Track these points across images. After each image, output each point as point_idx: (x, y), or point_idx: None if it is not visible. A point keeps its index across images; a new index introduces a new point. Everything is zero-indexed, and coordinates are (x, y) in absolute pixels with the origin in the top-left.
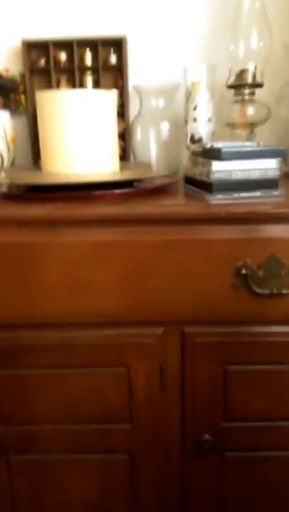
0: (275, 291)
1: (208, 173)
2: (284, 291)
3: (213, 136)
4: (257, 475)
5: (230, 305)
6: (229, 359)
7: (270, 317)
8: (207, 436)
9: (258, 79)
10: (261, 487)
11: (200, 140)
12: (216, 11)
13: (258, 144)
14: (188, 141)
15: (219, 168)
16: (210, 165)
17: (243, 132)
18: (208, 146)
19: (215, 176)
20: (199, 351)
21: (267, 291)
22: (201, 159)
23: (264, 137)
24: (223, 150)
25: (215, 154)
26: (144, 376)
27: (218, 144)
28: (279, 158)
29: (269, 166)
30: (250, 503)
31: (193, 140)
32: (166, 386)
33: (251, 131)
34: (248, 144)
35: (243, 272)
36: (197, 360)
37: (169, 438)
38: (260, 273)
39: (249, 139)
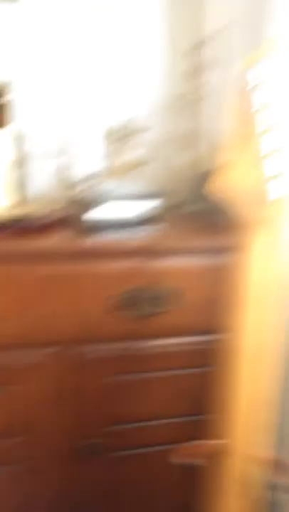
0: (149, 311)
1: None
2: (156, 311)
3: (100, 176)
4: (144, 469)
5: (115, 325)
6: (116, 371)
7: (148, 333)
8: (97, 440)
9: (140, 126)
10: (150, 480)
11: (94, 177)
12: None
13: (136, 186)
14: None
15: (103, 210)
16: (96, 206)
17: (127, 173)
18: (98, 189)
19: (94, 218)
20: (89, 366)
21: (143, 312)
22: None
23: (146, 177)
24: (105, 193)
25: (95, 199)
26: (38, 392)
27: (106, 186)
28: (159, 199)
29: (147, 206)
30: (143, 496)
31: (87, 178)
32: (61, 398)
33: (134, 172)
34: (128, 185)
35: (124, 296)
36: (88, 373)
37: (64, 445)
38: (140, 297)
39: (132, 179)
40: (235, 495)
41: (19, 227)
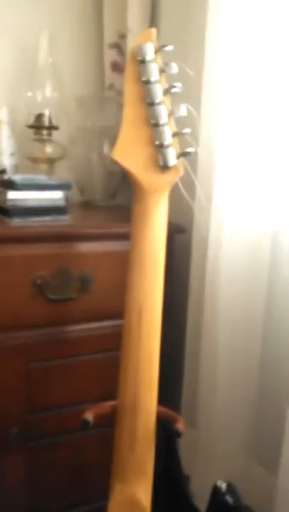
0: (65, 296)
1: (5, 200)
2: (73, 296)
3: (17, 168)
4: (65, 456)
5: (30, 311)
6: (30, 358)
7: (63, 318)
8: (14, 429)
9: (54, 122)
10: (64, 467)
11: (4, 171)
12: (14, 62)
13: (49, 178)
14: None
15: (14, 197)
16: (6, 193)
17: (43, 166)
18: (6, 178)
19: (11, 203)
20: (3, 354)
21: (59, 297)
22: (0, 189)
23: (62, 171)
24: (16, 181)
25: (11, 185)
26: None
27: (16, 177)
28: (64, 190)
29: (57, 196)
30: (56, 483)
31: None
32: None
33: (51, 166)
34: (41, 177)
35: (39, 282)
36: (2, 362)
37: None
38: (53, 282)
39: (49, 172)
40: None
41: None
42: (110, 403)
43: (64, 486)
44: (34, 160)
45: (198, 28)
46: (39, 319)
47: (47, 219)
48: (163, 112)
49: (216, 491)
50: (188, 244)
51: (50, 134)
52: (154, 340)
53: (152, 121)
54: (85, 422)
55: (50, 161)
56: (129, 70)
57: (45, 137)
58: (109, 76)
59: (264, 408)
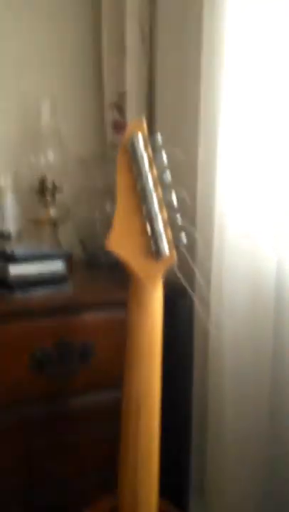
0: (66, 369)
1: (7, 274)
2: (73, 368)
3: (21, 232)
4: None
5: (28, 386)
6: (32, 435)
7: (63, 392)
8: (14, 507)
9: (57, 184)
10: None
11: (9, 236)
12: (18, 127)
13: (51, 246)
14: None
15: (16, 271)
16: (8, 267)
17: (47, 228)
18: (8, 251)
19: (13, 277)
20: (1, 432)
21: (59, 370)
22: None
23: (66, 231)
24: (16, 255)
25: (12, 258)
26: None
27: (17, 249)
28: (65, 260)
29: (57, 267)
30: None
31: (1, 236)
32: None
33: (55, 228)
34: (43, 246)
35: (38, 356)
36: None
37: None
38: (53, 355)
39: (53, 233)
40: None
41: None
42: (110, 501)
43: None
44: (38, 223)
45: (194, 90)
46: (38, 395)
47: (48, 289)
48: (155, 201)
49: None
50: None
51: (53, 196)
52: (154, 435)
53: (145, 212)
54: None
55: (55, 223)
56: (121, 160)
57: (49, 199)
58: (111, 135)
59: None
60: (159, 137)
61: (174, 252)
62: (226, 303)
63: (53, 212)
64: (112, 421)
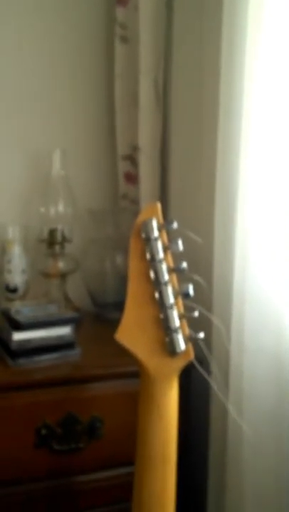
0: (73, 446)
1: (9, 340)
2: (80, 445)
3: (28, 285)
4: None
5: (32, 464)
6: None
7: (69, 470)
8: None
9: (67, 236)
10: None
11: (16, 289)
12: (27, 178)
13: (59, 307)
14: (4, 289)
15: (19, 337)
16: (11, 334)
17: (55, 280)
18: (12, 315)
19: (16, 344)
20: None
21: (65, 447)
22: (5, 324)
23: (75, 284)
24: (23, 322)
25: (16, 325)
26: None
27: (22, 312)
28: (73, 324)
29: (65, 332)
30: None
31: (8, 289)
32: None
33: (63, 280)
34: (49, 307)
35: (43, 431)
36: None
37: None
38: (59, 430)
39: (61, 286)
40: None
41: None
42: None
43: None
44: (46, 275)
45: (208, 150)
46: (42, 472)
47: (54, 356)
48: (170, 292)
49: None
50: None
51: (63, 248)
52: None
53: (159, 303)
54: None
55: (63, 275)
56: (134, 245)
57: (58, 251)
58: (123, 186)
59: None
60: (175, 223)
61: (191, 348)
62: (246, 389)
63: (61, 264)
64: (121, 502)
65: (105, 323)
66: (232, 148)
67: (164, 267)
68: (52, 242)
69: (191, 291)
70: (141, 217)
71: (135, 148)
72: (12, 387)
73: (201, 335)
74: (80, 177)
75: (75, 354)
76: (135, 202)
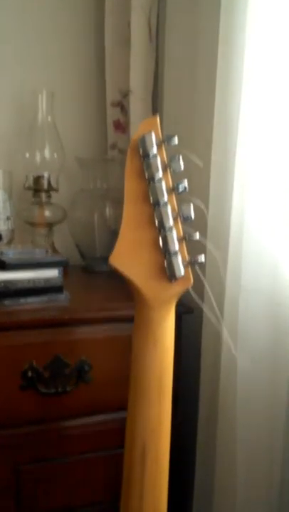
0: (60, 389)
1: None
2: (68, 389)
3: (13, 233)
4: None
5: (19, 406)
6: (21, 459)
7: (57, 413)
8: None
9: (53, 184)
10: None
11: (0, 237)
12: (12, 122)
13: (46, 252)
14: None
15: (5, 278)
16: None
17: (42, 230)
18: None
19: (1, 285)
20: None
21: (53, 390)
22: None
23: (62, 235)
24: (8, 261)
25: (1, 265)
26: None
27: (8, 253)
28: (61, 268)
29: (52, 275)
30: None
31: None
32: None
33: (50, 230)
34: (36, 251)
35: (30, 374)
36: None
37: None
38: (46, 373)
39: (48, 236)
40: None
41: None
42: None
43: None
44: (32, 224)
45: (205, 86)
46: (29, 415)
47: (41, 299)
48: (169, 213)
49: None
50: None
51: (49, 197)
52: (162, 486)
53: (157, 224)
54: None
55: (50, 225)
56: (130, 164)
57: (44, 200)
58: (112, 135)
59: None
60: (175, 138)
61: (190, 273)
62: (241, 321)
63: (48, 213)
64: (109, 448)
65: (93, 274)
66: (230, 89)
67: (163, 186)
68: (38, 189)
69: (192, 214)
70: (138, 132)
71: (125, 94)
72: None
73: (202, 258)
74: (67, 123)
75: (63, 298)
76: (124, 152)
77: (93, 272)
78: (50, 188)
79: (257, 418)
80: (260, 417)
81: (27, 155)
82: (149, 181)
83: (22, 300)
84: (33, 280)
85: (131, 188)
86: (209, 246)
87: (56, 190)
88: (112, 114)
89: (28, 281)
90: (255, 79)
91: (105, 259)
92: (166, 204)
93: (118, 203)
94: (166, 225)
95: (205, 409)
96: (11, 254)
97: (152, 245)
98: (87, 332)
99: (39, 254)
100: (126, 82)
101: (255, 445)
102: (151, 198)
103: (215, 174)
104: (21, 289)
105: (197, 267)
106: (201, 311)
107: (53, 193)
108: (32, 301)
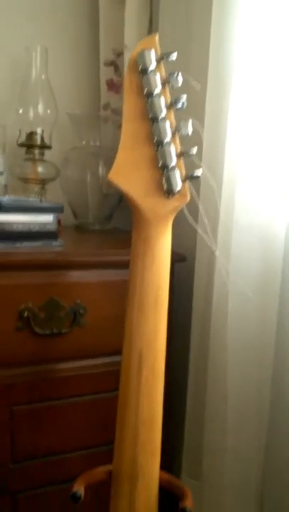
0: (55, 330)
1: None
2: (63, 331)
3: (6, 188)
4: (49, 510)
5: (15, 347)
6: (15, 400)
7: (52, 355)
8: None
9: (46, 141)
10: None
11: None
12: (5, 78)
13: (41, 200)
14: None
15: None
16: None
17: (35, 187)
18: None
19: None
20: None
21: (48, 332)
22: None
23: (55, 193)
24: (3, 203)
25: None
26: None
27: (3, 198)
28: (56, 214)
29: (48, 220)
30: None
31: None
32: None
33: (42, 187)
34: (31, 199)
35: (26, 314)
36: None
37: None
38: (42, 315)
39: (40, 193)
40: None
41: None
42: (105, 468)
43: None
44: (25, 180)
45: (199, 41)
46: (24, 356)
47: (36, 244)
48: (167, 129)
49: None
50: (189, 271)
51: (42, 154)
52: (157, 394)
53: (155, 140)
54: (75, 497)
55: (42, 182)
56: (129, 80)
57: (37, 157)
58: (105, 95)
59: (276, 454)
60: (174, 54)
61: (188, 189)
62: (234, 244)
63: (41, 169)
64: (103, 392)
65: (87, 232)
66: (225, 42)
67: (162, 101)
68: (31, 145)
69: (190, 130)
70: (137, 49)
71: (119, 54)
72: None
73: (198, 172)
74: (61, 81)
75: (57, 245)
76: (117, 112)
77: (86, 230)
78: (43, 145)
79: (247, 348)
80: (250, 347)
81: (20, 111)
82: (147, 97)
83: (17, 244)
84: (28, 224)
85: (129, 105)
86: (204, 168)
87: (49, 147)
88: (106, 73)
89: (23, 224)
90: (249, 37)
91: (98, 218)
92: (164, 119)
93: (111, 162)
94: (164, 140)
95: (196, 343)
96: (5, 199)
97: (150, 162)
98: (81, 276)
99: (34, 201)
100: (119, 41)
101: (245, 374)
102: (150, 114)
103: (210, 98)
104: (16, 233)
105: (192, 187)
106: (193, 260)
107: (46, 152)
108: (27, 246)
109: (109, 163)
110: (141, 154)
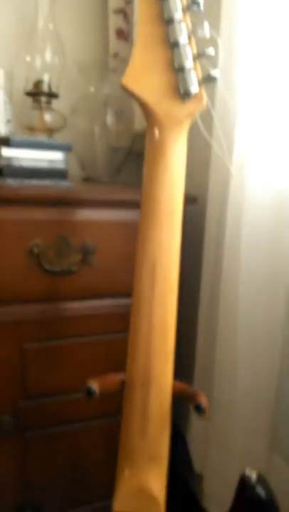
0: (65, 268)
1: None
2: (73, 269)
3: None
4: (58, 450)
5: (24, 283)
6: (25, 337)
7: (61, 293)
8: (6, 416)
9: (54, 90)
10: (64, 462)
11: None
12: (13, 25)
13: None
14: None
15: (8, 154)
16: None
17: (42, 136)
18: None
19: (4, 162)
20: None
21: (57, 269)
22: None
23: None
24: (12, 138)
25: (4, 141)
26: None
27: (11, 137)
28: (65, 151)
29: (56, 158)
30: (54, 481)
31: None
32: None
33: (50, 136)
34: (39, 138)
35: (36, 250)
36: None
37: None
38: (51, 252)
39: None
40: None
41: None
42: (119, 376)
43: (62, 483)
44: (32, 129)
45: None
46: (35, 293)
47: (45, 182)
48: (184, 30)
49: (244, 482)
50: (200, 216)
51: (49, 102)
52: (170, 302)
53: (171, 41)
54: (89, 392)
55: (49, 131)
56: None
57: (44, 105)
58: (114, 44)
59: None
60: None
61: (203, 93)
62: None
63: (48, 117)
64: (112, 332)
65: (95, 183)
66: None
67: (178, 2)
68: (38, 93)
69: (207, 32)
70: None
71: (128, 1)
72: (1, 199)
73: (216, 73)
74: (69, 29)
75: (66, 185)
76: (127, 61)
77: (94, 181)
78: (50, 93)
79: (259, 280)
80: (262, 280)
81: (28, 58)
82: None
83: (26, 181)
84: (37, 160)
85: (145, 7)
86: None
87: (56, 95)
88: (115, 21)
89: (32, 160)
90: None
91: (106, 170)
92: (180, 21)
93: (119, 114)
94: (181, 42)
95: (208, 282)
96: (14, 137)
97: (166, 66)
98: (91, 215)
99: (42, 138)
100: None
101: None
102: (165, 15)
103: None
104: (25, 169)
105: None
106: (204, 201)
107: (53, 102)
108: (36, 183)
109: (117, 114)
110: (156, 57)
